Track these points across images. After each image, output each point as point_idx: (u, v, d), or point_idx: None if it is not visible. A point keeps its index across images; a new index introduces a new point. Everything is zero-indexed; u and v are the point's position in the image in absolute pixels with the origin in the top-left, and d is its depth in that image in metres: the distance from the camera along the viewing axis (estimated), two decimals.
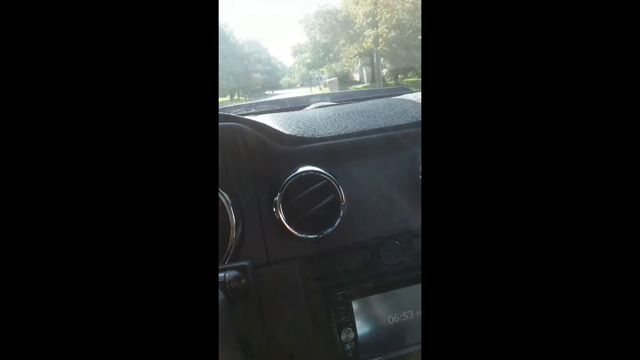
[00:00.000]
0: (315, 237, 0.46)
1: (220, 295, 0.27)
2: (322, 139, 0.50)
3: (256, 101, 0.90)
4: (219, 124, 0.46)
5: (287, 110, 0.81)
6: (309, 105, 0.85)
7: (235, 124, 0.46)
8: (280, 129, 0.50)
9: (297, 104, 0.88)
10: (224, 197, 0.46)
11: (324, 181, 0.46)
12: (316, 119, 0.57)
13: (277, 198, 0.46)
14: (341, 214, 0.46)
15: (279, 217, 0.45)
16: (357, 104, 0.68)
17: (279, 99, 0.93)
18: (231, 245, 0.45)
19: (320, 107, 0.80)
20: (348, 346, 0.48)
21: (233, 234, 0.46)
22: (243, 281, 0.34)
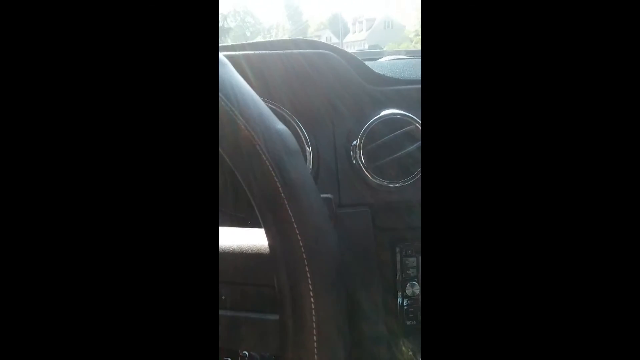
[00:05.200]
0: (392, 186, 0.44)
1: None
2: (411, 81, 0.47)
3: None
4: (307, 50, 0.44)
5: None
6: (382, 58, 0.80)
7: (327, 52, 0.44)
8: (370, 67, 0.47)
9: (368, 57, 0.84)
10: (302, 133, 0.45)
11: (411, 127, 0.43)
12: (398, 66, 0.53)
13: (356, 141, 0.44)
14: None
15: (358, 161, 0.44)
16: None
17: (352, 52, 0.89)
18: None
19: (396, 59, 0.75)
20: (411, 301, 0.47)
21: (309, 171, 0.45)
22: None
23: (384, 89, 0.46)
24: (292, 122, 0.45)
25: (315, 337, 0.20)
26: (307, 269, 0.20)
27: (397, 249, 0.48)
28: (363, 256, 0.46)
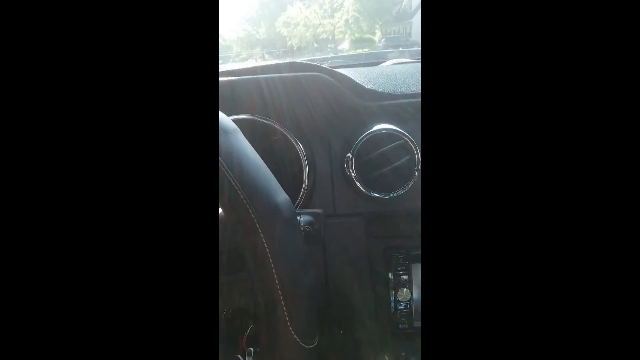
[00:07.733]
0: (384, 197, 0.46)
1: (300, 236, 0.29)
2: (404, 95, 0.48)
3: (329, 56, 0.88)
4: (300, 73, 0.46)
5: (362, 65, 0.78)
6: (385, 62, 0.80)
7: (317, 73, 0.46)
8: (360, 84, 0.49)
9: (373, 60, 0.85)
10: (298, 147, 0.47)
11: (401, 141, 0.44)
12: (396, 75, 0.55)
13: (350, 155, 0.46)
14: (415, 177, 0.45)
15: (350, 174, 0.46)
16: None
17: (355, 54, 0.90)
18: (302, 195, 0.47)
19: (398, 63, 0.76)
20: (403, 305, 0.50)
21: (305, 185, 0.47)
22: (315, 226, 0.36)
23: (375, 104, 0.47)
24: (289, 137, 0.47)
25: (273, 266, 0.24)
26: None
27: (390, 257, 0.50)
28: (356, 263, 0.48)
